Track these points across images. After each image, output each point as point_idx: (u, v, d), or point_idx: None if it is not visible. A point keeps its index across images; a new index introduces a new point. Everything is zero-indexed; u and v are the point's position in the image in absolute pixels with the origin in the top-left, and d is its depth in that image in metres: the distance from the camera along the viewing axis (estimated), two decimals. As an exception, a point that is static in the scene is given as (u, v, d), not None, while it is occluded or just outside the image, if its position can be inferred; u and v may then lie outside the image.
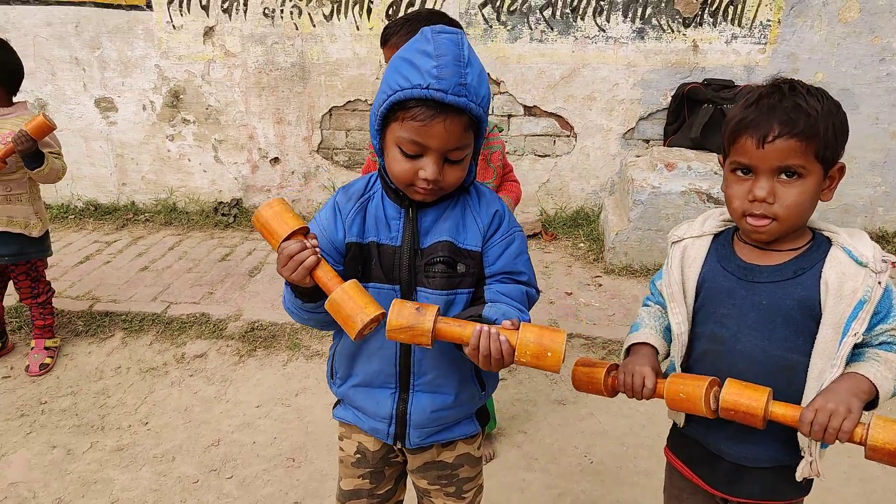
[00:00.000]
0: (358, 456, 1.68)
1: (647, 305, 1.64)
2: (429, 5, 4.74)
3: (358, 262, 1.45)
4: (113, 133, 5.37)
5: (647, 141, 4.94)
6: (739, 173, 1.36)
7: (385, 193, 1.48)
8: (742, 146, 1.32)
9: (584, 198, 5.12)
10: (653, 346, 1.51)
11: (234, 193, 5.44)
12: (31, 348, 3.44)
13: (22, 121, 3.10)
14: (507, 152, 5.03)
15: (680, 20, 4.62)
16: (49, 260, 4.23)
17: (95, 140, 5.40)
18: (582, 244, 4.73)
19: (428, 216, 1.45)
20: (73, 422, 3.01)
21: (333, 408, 1.70)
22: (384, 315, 1.30)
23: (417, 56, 1.28)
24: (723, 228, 1.49)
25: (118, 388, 3.25)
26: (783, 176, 1.30)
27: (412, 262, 1.43)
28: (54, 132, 3.17)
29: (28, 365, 3.37)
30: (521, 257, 1.49)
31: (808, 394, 1.32)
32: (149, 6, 4.97)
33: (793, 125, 1.27)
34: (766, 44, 4.59)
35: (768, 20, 4.54)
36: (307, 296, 1.38)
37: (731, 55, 4.66)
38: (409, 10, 4.65)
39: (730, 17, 4.58)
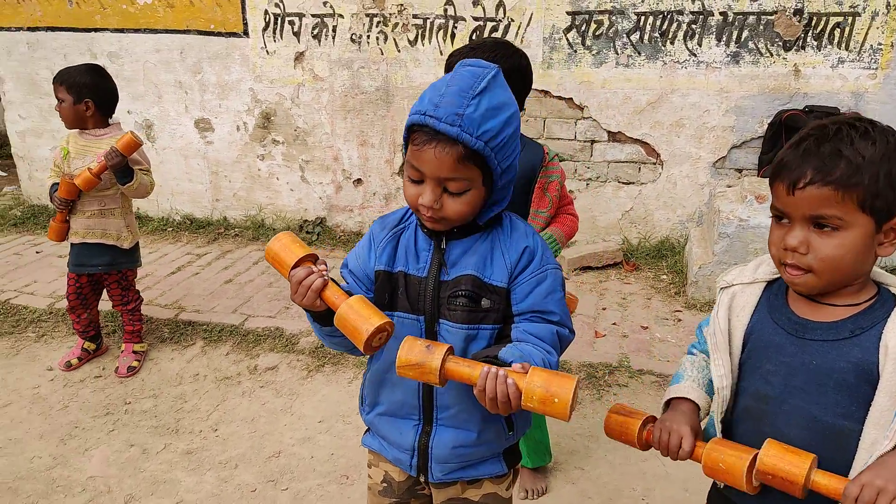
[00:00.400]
0: (385, 485, 1.67)
1: (692, 354, 1.54)
2: (513, 30, 4.76)
3: (385, 290, 1.47)
4: (209, 152, 5.67)
5: (740, 170, 4.75)
6: (777, 219, 1.27)
7: (419, 225, 1.49)
8: (776, 190, 1.24)
9: (670, 228, 4.97)
10: (694, 403, 1.42)
11: (318, 212, 5.61)
12: (121, 351, 3.65)
13: (115, 141, 3.34)
14: (590, 179, 4.97)
15: (780, 43, 4.43)
16: (144, 269, 4.51)
17: (193, 158, 5.72)
18: (664, 276, 4.58)
19: (456, 248, 1.45)
20: (152, 423, 3.17)
21: (363, 435, 1.71)
22: (391, 325, 1.32)
23: (435, 85, 1.31)
24: (777, 276, 1.37)
25: (194, 394, 3.39)
26: (817, 226, 1.20)
27: (436, 294, 1.43)
28: (143, 150, 3.41)
29: (117, 367, 3.58)
30: (553, 296, 1.43)
31: (858, 465, 1.20)
32: (245, 33, 5.25)
33: (826, 172, 1.16)
34: (876, 69, 4.33)
35: (879, 44, 4.28)
36: (323, 319, 1.41)
37: (836, 81, 4.42)
38: (489, 36, 4.70)
39: (836, 41, 4.35)
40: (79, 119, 3.31)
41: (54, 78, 3.30)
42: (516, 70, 2.14)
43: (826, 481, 1.16)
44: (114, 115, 3.45)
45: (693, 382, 1.46)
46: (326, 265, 1.42)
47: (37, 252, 5.20)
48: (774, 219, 1.28)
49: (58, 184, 3.29)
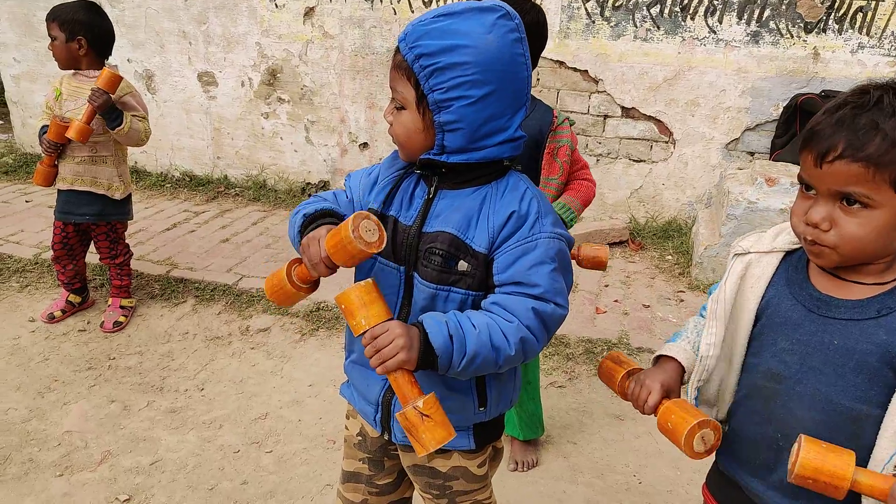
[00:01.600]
0: (359, 438, 1.62)
1: (702, 316, 1.45)
2: (530, -4, 4.60)
3: None
4: (212, 107, 5.53)
5: (752, 153, 4.62)
6: (804, 189, 1.16)
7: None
8: (804, 159, 1.12)
9: (679, 208, 4.85)
10: (679, 363, 1.35)
11: (322, 175, 5.48)
12: (108, 306, 3.55)
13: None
14: (601, 155, 4.83)
15: (801, 25, 4.28)
16: (138, 224, 4.40)
17: (196, 113, 5.57)
18: (670, 257, 4.47)
19: (444, 199, 1.34)
20: (136, 380, 3.08)
21: (342, 384, 1.63)
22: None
23: None
24: (798, 246, 1.26)
25: (182, 352, 3.31)
26: (845, 202, 1.09)
27: (416, 245, 1.34)
28: (140, 97, 3.27)
29: (103, 321, 3.48)
30: (541, 267, 1.27)
31: (880, 454, 1.10)
32: (255, -17, 5.08)
33: (859, 147, 1.04)
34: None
35: (902, 31, 4.14)
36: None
37: (855, 66, 4.27)
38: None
39: (857, 25, 4.20)
40: (72, 58, 3.16)
41: (47, 15, 3.14)
42: (533, 25, 2.05)
43: (870, 481, 1.05)
44: (110, 59, 3.30)
45: (687, 344, 1.38)
46: (346, 185, 1.49)
47: (26, 201, 5.08)
48: (801, 188, 1.17)
49: (48, 126, 3.14)
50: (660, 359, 1.39)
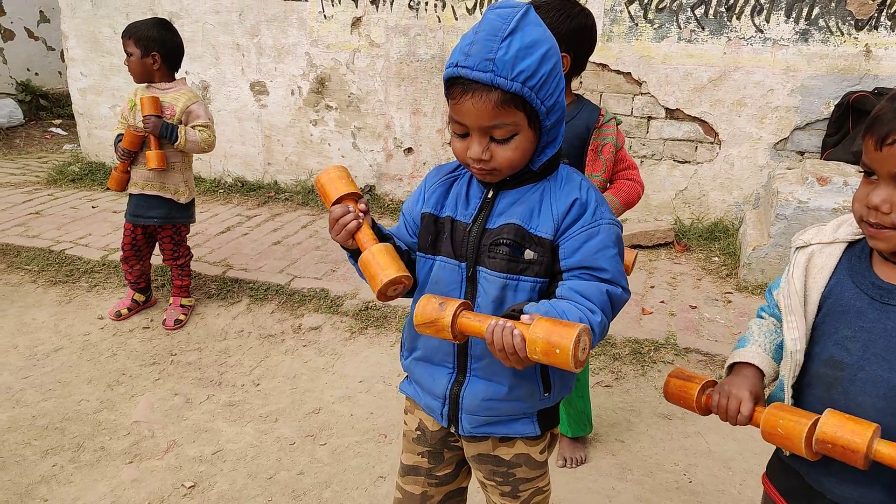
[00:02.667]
0: (419, 433, 1.67)
1: (761, 318, 1.48)
2: None
3: (429, 233, 1.47)
4: (263, 115, 5.71)
5: (802, 153, 4.57)
6: (867, 174, 1.19)
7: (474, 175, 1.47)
8: (866, 144, 1.16)
9: (725, 209, 4.83)
10: (757, 368, 1.36)
11: (367, 180, 5.61)
12: (169, 304, 3.72)
13: (180, 94, 3.38)
14: (645, 156, 4.85)
15: (851, 22, 4.23)
16: (195, 227, 4.57)
17: (247, 121, 5.77)
18: (716, 258, 4.46)
19: (505, 199, 1.41)
20: (196, 374, 3.22)
21: (401, 381, 1.70)
22: (409, 279, 1.36)
23: (465, 35, 1.29)
24: (860, 237, 1.28)
25: (238, 349, 3.44)
26: None
27: (478, 241, 1.41)
28: (205, 105, 3.45)
29: (165, 319, 3.65)
30: (605, 252, 1.34)
31: None
32: (304, -4, 5.25)
33: None
34: (949, 53, 4.12)
35: (955, 28, 4.08)
36: (355, 256, 1.46)
37: (907, 63, 4.22)
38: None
39: (910, 21, 4.15)
40: (146, 73, 3.36)
41: (123, 32, 3.34)
42: (582, 29, 2.11)
43: (890, 451, 1.10)
44: (179, 70, 3.49)
45: (759, 347, 1.40)
46: (367, 205, 1.44)
47: (93, 207, 5.33)
48: (864, 175, 1.20)
49: (122, 134, 3.36)
50: (734, 366, 1.40)
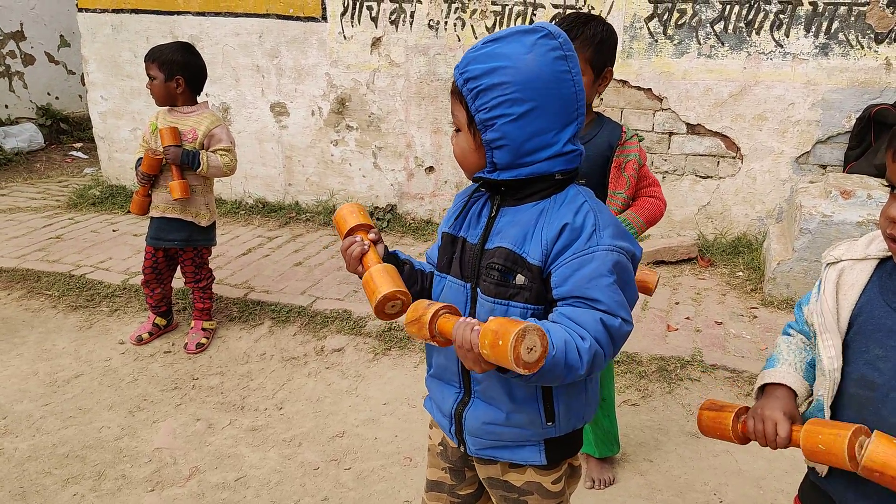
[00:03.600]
0: (441, 448, 1.67)
1: (789, 334, 1.44)
2: (592, 18, 4.65)
3: (446, 253, 1.49)
4: (284, 136, 5.73)
5: (825, 167, 4.52)
6: (893, 189, 1.17)
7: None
8: (889, 160, 1.14)
9: (748, 224, 4.77)
10: (790, 388, 1.33)
11: (389, 199, 5.61)
12: (191, 328, 3.72)
13: (202, 118, 3.39)
14: (667, 172, 4.81)
15: (871, 35, 4.20)
16: (216, 250, 4.58)
17: (268, 142, 5.79)
18: (741, 273, 4.40)
19: (504, 217, 1.40)
20: (218, 399, 3.21)
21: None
22: (406, 295, 1.36)
23: None
24: (890, 254, 1.26)
25: (261, 372, 3.43)
26: None
27: (478, 262, 1.40)
28: (227, 128, 3.47)
29: (186, 343, 3.64)
30: (599, 281, 1.26)
31: None
32: (324, 18, 5.27)
33: None
34: (969, 65, 4.07)
35: (975, 39, 4.03)
36: None
37: (929, 76, 4.17)
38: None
39: (932, 34, 4.10)
40: (169, 96, 3.38)
41: (146, 55, 3.36)
42: (603, 42, 2.09)
43: None
44: (200, 93, 3.51)
45: (789, 367, 1.36)
46: (378, 235, 1.48)
47: (113, 230, 5.36)
48: (890, 189, 1.18)
49: (142, 158, 3.36)
50: (765, 388, 1.37)
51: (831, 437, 1.14)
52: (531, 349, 1.11)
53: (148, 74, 3.35)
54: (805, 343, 1.40)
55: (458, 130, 1.39)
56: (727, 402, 1.38)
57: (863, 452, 1.10)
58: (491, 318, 1.19)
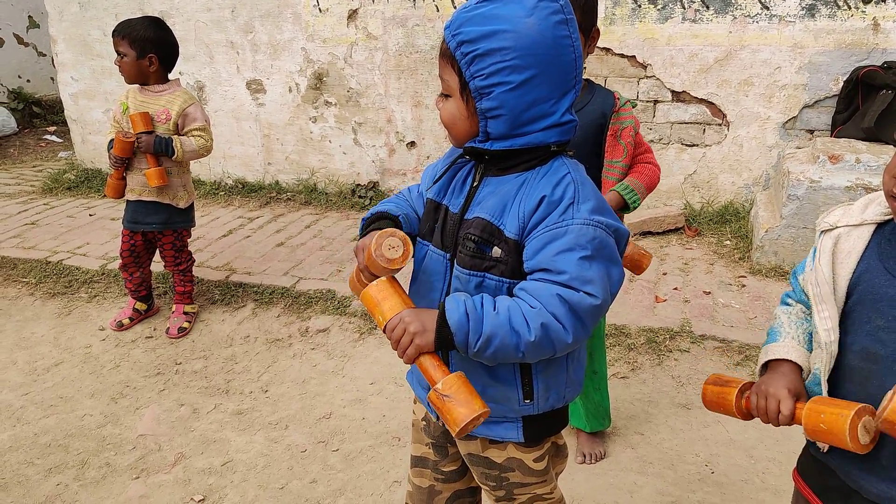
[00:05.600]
0: (424, 423, 1.63)
1: (788, 304, 1.39)
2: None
3: (429, 219, 1.43)
4: (261, 114, 5.62)
5: (812, 131, 4.48)
6: None
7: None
8: None
9: (735, 192, 4.73)
10: (794, 363, 1.28)
11: (371, 176, 5.52)
12: (172, 312, 3.64)
13: (175, 97, 3.27)
14: (652, 140, 4.75)
15: (859, -5, 4.14)
16: (195, 232, 4.49)
17: (245, 120, 5.67)
18: (728, 241, 4.37)
19: (487, 187, 1.34)
20: (202, 383, 3.15)
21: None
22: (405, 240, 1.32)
23: None
24: (890, 217, 1.20)
25: (245, 355, 3.36)
26: None
27: (456, 232, 1.34)
28: (201, 107, 3.36)
29: (168, 327, 3.57)
30: (569, 254, 1.20)
31: None
32: (298, -10, 5.14)
33: None
34: (959, 24, 4.02)
35: (965, -3, 3.97)
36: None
37: (918, 36, 4.12)
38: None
39: (920, -7, 4.05)
40: (141, 74, 3.24)
41: (115, 31, 3.20)
42: (589, 1, 2.02)
43: None
44: (172, 71, 3.38)
45: (792, 340, 1.31)
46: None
47: (90, 215, 5.25)
48: None
49: (114, 141, 3.24)
50: (769, 364, 1.32)
51: (833, 417, 1.11)
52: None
53: (117, 51, 3.20)
54: (805, 313, 1.35)
55: (447, 96, 1.30)
56: (732, 378, 1.35)
57: (886, 405, 1.04)
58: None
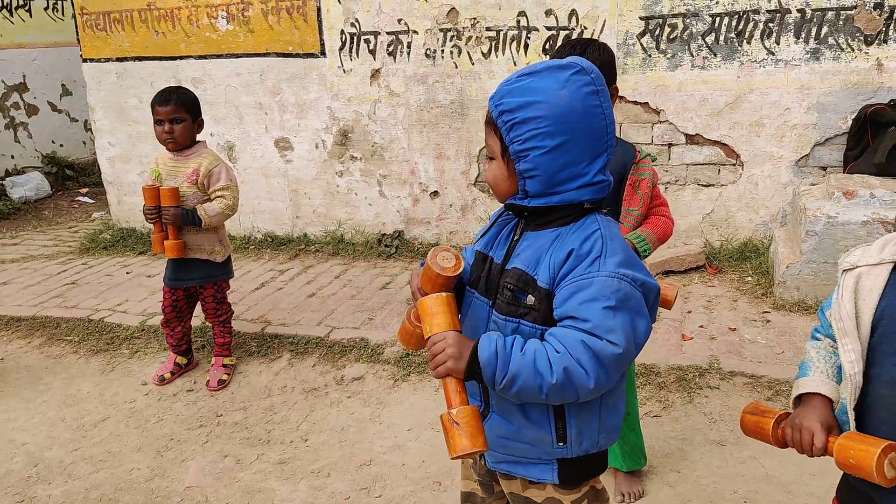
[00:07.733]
0: (472, 461, 1.70)
1: (817, 339, 1.48)
2: (587, 36, 4.73)
3: (477, 270, 1.55)
4: (289, 170, 5.82)
5: (825, 168, 4.59)
6: None
7: None
8: None
9: (753, 229, 4.83)
10: (825, 397, 1.36)
11: (396, 226, 5.68)
12: (211, 365, 3.76)
13: (203, 158, 3.44)
14: (669, 182, 4.87)
15: (861, 38, 4.28)
16: (230, 285, 4.64)
17: (274, 177, 5.87)
18: (749, 278, 4.44)
19: (526, 241, 1.46)
20: (243, 434, 3.24)
21: None
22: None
23: None
24: None
25: (283, 405, 3.46)
26: None
27: (497, 281, 1.47)
28: (227, 167, 3.50)
29: (208, 380, 3.68)
30: (593, 304, 1.30)
31: None
32: (322, 53, 5.39)
33: None
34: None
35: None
36: None
37: (922, 74, 4.24)
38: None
39: (920, 33, 4.18)
40: (192, 137, 3.43)
41: (167, 99, 3.32)
42: (604, 63, 2.17)
43: None
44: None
45: (822, 375, 1.40)
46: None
47: (127, 273, 5.42)
48: None
49: (143, 194, 3.40)
50: (802, 397, 1.40)
51: (861, 454, 1.19)
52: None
53: (170, 119, 3.32)
54: (833, 347, 1.43)
55: (491, 158, 1.45)
56: (769, 408, 1.43)
57: None
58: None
